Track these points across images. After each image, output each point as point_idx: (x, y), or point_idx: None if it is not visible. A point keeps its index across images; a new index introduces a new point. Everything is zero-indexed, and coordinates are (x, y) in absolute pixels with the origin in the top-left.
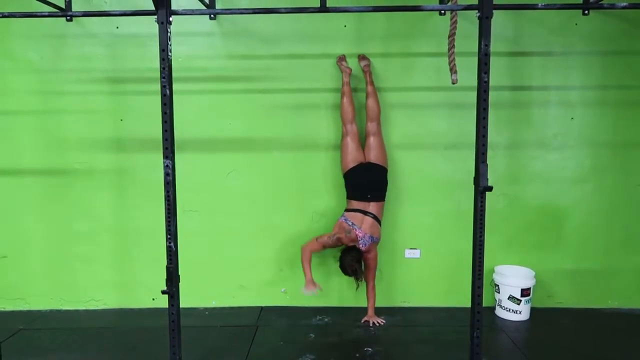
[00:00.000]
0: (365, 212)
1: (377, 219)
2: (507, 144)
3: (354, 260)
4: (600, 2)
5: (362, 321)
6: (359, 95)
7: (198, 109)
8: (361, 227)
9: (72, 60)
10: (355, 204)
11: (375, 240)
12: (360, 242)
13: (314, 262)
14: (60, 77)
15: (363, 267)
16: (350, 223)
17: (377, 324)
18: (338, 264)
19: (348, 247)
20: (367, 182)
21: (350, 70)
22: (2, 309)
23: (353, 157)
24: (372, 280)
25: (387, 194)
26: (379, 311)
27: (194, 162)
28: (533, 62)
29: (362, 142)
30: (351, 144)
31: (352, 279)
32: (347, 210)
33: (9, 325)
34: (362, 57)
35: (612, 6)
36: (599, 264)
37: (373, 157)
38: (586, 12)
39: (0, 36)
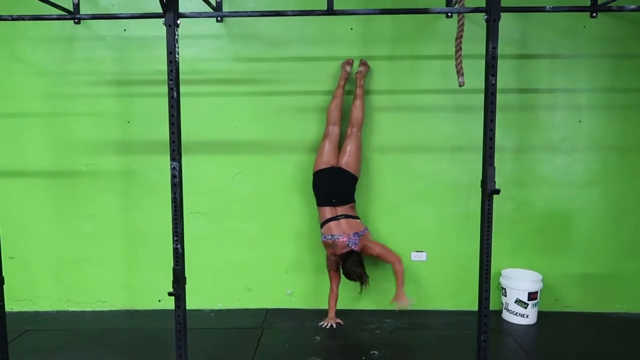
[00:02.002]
0: (335, 218)
1: (350, 216)
2: (515, 147)
3: (356, 264)
4: (609, 5)
5: (391, 301)
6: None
7: (205, 111)
8: (340, 233)
9: (79, 63)
10: (325, 212)
11: (361, 233)
12: (350, 244)
13: (321, 264)
14: (67, 79)
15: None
16: (329, 237)
17: (408, 305)
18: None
19: (345, 255)
20: (331, 187)
21: (347, 75)
22: (10, 310)
23: (326, 160)
24: (391, 256)
25: (356, 195)
26: (384, 314)
27: (200, 164)
28: (541, 65)
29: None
30: (328, 146)
31: (358, 283)
32: (321, 225)
33: (16, 326)
34: (362, 63)
35: (621, 8)
36: (607, 268)
37: (344, 162)
38: (594, 14)
39: (9, 39)
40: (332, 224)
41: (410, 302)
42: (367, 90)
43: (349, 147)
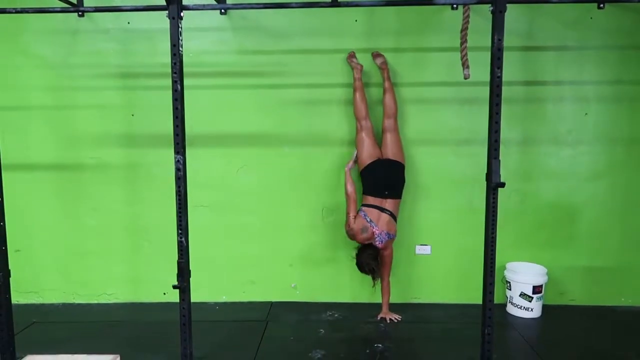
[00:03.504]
0: (382, 209)
1: (393, 216)
2: (520, 139)
3: (371, 258)
4: None
5: (377, 317)
6: (373, 91)
7: (209, 104)
8: (377, 224)
9: (83, 56)
10: (372, 200)
11: (391, 237)
12: (377, 239)
13: (325, 257)
14: (72, 72)
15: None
16: (368, 219)
17: (395, 320)
18: (354, 261)
19: (364, 245)
20: (384, 179)
21: (362, 66)
22: (16, 302)
23: (369, 154)
24: (387, 276)
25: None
26: (390, 307)
27: (204, 157)
28: (547, 57)
29: (377, 138)
30: (367, 139)
31: (363, 276)
32: (364, 205)
33: (23, 318)
34: (376, 55)
35: None
36: (612, 261)
37: (391, 153)
38: (601, 5)
39: (14, 32)
40: (376, 211)
41: (397, 317)
42: (371, 83)
43: (391, 138)
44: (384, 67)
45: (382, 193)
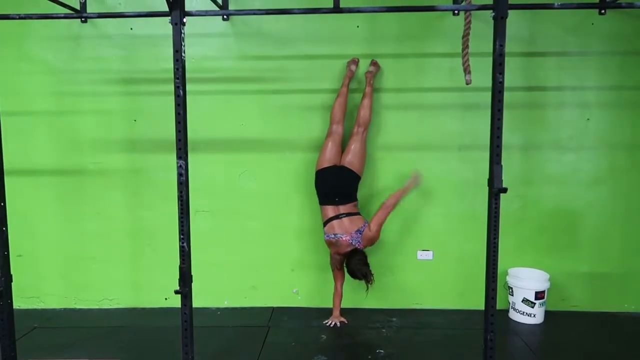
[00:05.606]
0: (338, 216)
1: (352, 214)
2: (522, 145)
3: (361, 263)
4: (618, 2)
5: (408, 182)
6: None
7: (211, 109)
8: (343, 232)
9: (86, 62)
10: (328, 210)
11: (362, 229)
12: (353, 242)
13: (327, 263)
14: (74, 78)
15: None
16: (332, 236)
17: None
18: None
19: (349, 253)
20: (333, 186)
21: (352, 74)
22: (17, 307)
23: (328, 158)
24: (385, 210)
25: (358, 193)
26: (391, 313)
27: (206, 162)
28: (548, 63)
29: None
30: (331, 145)
31: (360, 282)
32: (323, 224)
33: (24, 323)
34: (373, 63)
35: (630, 5)
36: (614, 267)
37: (347, 161)
38: (603, 11)
39: (17, 38)
40: (335, 222)
41: (418, 176)
42: (374, 89)
43: (354, 146)
44: (368, 76)
45: (332, 200)
